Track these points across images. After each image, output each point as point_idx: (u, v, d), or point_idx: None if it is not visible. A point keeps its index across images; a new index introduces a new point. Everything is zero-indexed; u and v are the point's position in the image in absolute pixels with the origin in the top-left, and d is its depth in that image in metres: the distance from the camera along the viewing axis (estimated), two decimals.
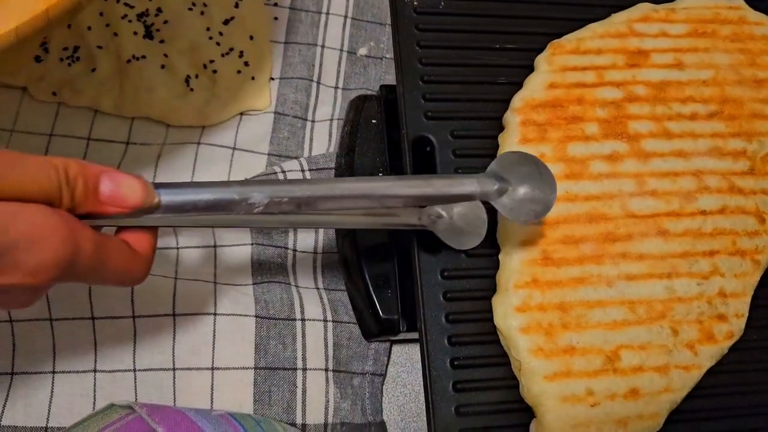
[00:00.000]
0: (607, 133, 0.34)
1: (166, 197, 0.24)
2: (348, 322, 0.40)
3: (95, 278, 0.23)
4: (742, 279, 0.34)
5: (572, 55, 0.36)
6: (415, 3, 0.38)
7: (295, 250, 0.41)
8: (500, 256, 0.33)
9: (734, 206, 0.35)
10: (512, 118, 0.35)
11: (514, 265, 0.32)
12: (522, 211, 0.28)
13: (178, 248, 0.39)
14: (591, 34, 0.37)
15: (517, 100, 0.35)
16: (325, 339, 0.39)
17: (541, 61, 0.36)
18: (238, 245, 0.40)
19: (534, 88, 0.35)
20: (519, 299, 0.31)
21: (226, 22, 0.45)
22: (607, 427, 0.30)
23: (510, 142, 0.34)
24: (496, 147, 0.35)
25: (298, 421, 0.36)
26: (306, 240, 0.42)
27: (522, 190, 0.28)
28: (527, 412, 0.31)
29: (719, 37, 0.38)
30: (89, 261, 0.22)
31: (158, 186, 0.24)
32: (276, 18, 0.47)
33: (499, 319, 0.32)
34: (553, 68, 0.35)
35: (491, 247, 0.34)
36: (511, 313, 0.31)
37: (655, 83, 0.36)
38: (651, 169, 0.34)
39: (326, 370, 0.38)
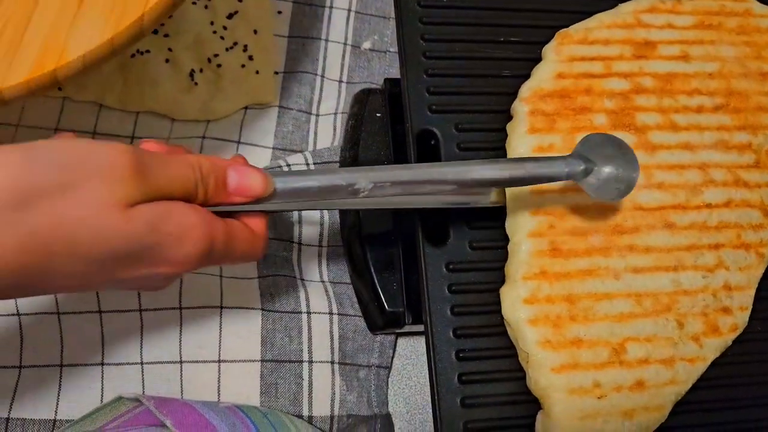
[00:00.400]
0: (615, 124, 0.34)
1: (281, 185, 0.26)
2: (353, 315, 0.39)
3: (225, 261, 0.26)
4: (747, 272, 0.34)
5: (580, 45, 0.35)
6: None
7: (300, 243, 0.41)
8: (509, 247, 0.33)
9: (739, 199, 0.34)
10: (520, 108, 0.34)
11: (522, 256, 0.32)
12: (607, 190, 0.29)
13: None
14: (598, 24, 0.36)
15: (525, 89, 0.35)
16: (331, 332, 0.38)
17: (548, 50, 0.36)
18: None
19: (542, 77, 0.35)
20: (527, 291, 0.31)
21: (230, 16, 0.45)
22: (613, 419, 0.30)
23: (518, 131, 0.34)
24: (501, 140, 0.35)
25: (305, 413, 0.36)
26: (311, 233, 0.41)
27: (606, 170, 0.29)
28: (533, 404, 0.31)
29: (725, 29, 0.37)
30: (222, 249, 0.25)
31: (274, 175, 0.26)
32: (280, 12, 0.47)
33: (507, 311, 0.31)
34: (560, 58, 0.35)
35: (496, 239, 0.34)
36: (519, 305, 0.31)
37: (662, 75, 0.36)
38: (658, 162, 0.34)
39: (332, 362, 0.37)
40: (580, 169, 0.29)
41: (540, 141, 0.33)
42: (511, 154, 0.34)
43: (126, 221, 0.21)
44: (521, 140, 0.33)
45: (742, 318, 0.33)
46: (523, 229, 0.32)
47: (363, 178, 0.26)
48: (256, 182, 0.25)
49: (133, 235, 0.22)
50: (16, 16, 0.28)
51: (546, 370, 0.30)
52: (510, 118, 0.35)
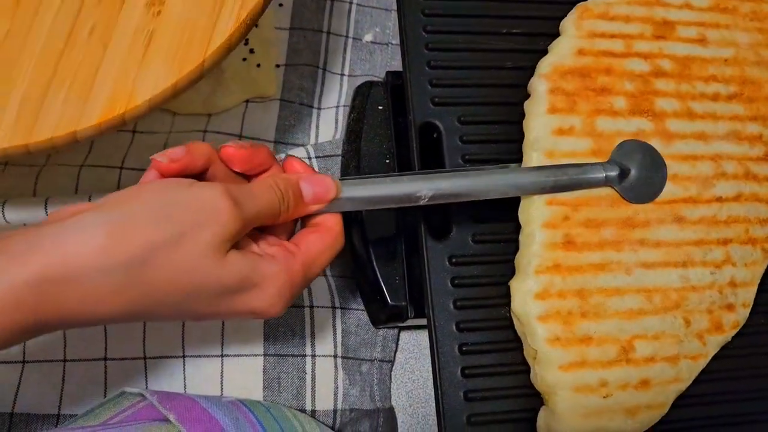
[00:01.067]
0: (634, 109, 0.32)
1: (349, 193, 0.27)
2: (356, 309, 0.38)
3: (312, 279, 0.27)
4: (752, 268, 0.32)
5: (600, 20, 0.33)
6: None
7: None
8: (520, 238, 0.31)
9: (749, 193, 0.32)
10: (540, 85, 0.32)
11: (535, 248, 0.29)
12: (639, 193, 0.31)
13: None
14: None
15: (545, 65, 0.32)
16: (334, 326, 0.37)
17: (568, 24, 0.33)
18: None
19: (563, 53, 0.32)
20: (539, 285, 0.29)
21: None
22: (617, 417, 0.29)
23: (537, 111, 0.31)
24: (505, 132, 0.33)
25: (308, 407, 0.35)
26: None
27: (638, 175, 0.31)
28: (536, 398, 0.30)
29: (739, 14, 0.35)
30: (303, 281, 0.26)
31: (343, 183, 0.27)
32: (281, 4, 0.45)
33: (517, 306, 0.29)
34: (581, 33, 0.32)
35: (499, 232, 0.32)
36: (530, 300, 0.29)
37: (680, 58, 0.33)
38: (672, 152, 0.32)
39: (335, 356, 0.36)
40: (615, 174, 0.30)
41: (561, 122, 0.31)
42: (528, 135, 0.31)
43: (222, 268, 0.23)
44: (540, 120, 0.31)
45: (743, 315, 0.32)
46: (538, 219, 0.30)
47: (424, 187, 0.28)
48: (327, 188, 0.26)
49: (226, 283, 0.23)
50: (87, 61, 0.29)
51: (554, 367, 0.28)
52: (514, 109, 0.33)
